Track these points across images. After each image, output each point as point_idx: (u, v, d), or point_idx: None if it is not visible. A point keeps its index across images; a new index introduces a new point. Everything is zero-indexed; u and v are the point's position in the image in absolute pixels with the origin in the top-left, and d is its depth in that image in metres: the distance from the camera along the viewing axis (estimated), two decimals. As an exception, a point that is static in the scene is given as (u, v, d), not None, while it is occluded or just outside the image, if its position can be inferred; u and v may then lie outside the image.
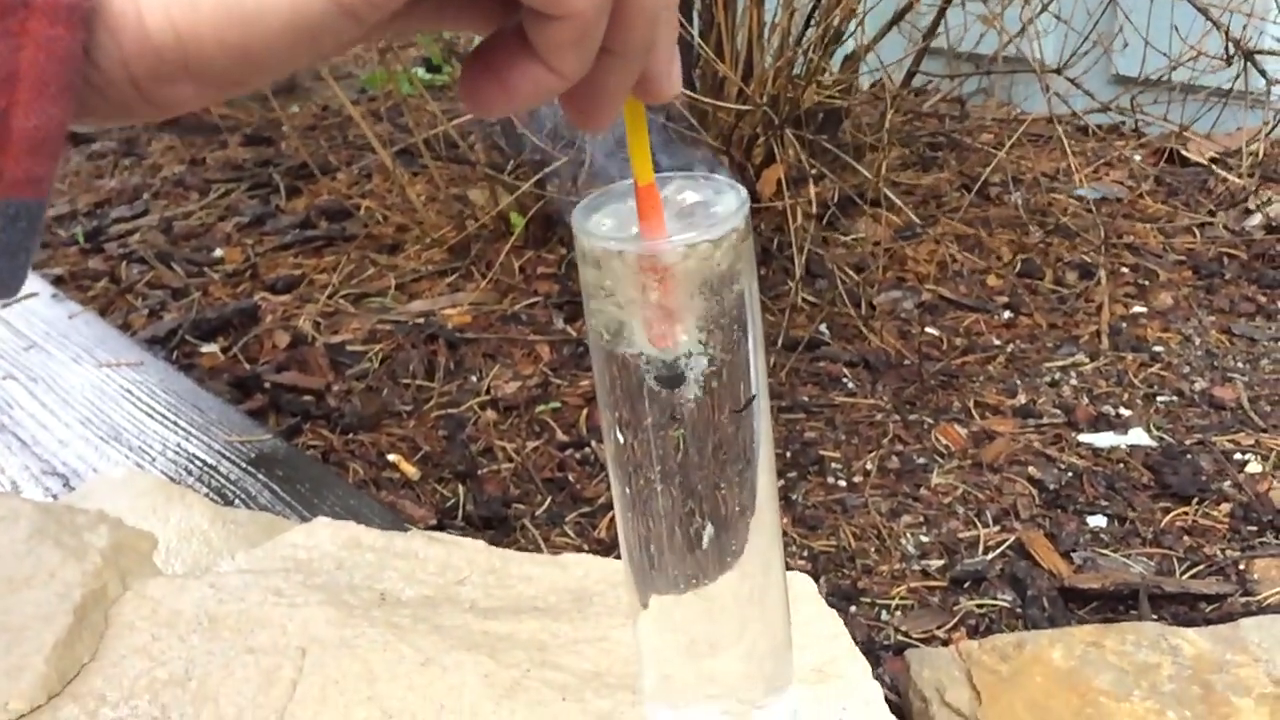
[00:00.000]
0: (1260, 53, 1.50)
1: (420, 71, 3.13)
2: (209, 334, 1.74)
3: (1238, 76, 1.59)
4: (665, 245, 0.51)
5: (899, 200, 1.92)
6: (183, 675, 0.80)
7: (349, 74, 3.17)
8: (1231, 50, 1.48)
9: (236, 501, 1.18)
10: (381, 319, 1.75)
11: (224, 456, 1.27)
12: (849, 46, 2.12)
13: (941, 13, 1.99)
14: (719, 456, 0.58)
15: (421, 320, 1.73)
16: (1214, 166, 1.98)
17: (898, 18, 1.98)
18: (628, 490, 0.60)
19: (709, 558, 0.62)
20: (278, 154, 2.48)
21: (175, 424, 1.34)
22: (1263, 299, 1.80)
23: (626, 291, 0.52)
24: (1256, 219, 1.96)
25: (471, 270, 1.87)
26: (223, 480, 1.22)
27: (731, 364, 0.55)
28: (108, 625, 0.86)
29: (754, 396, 0.56)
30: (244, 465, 1.25)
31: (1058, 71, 1.74)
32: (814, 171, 1.74)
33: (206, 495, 1.17)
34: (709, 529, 0.61)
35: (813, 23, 1.95)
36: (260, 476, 1.22)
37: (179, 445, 1.30)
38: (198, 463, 1.26)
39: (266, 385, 1.58)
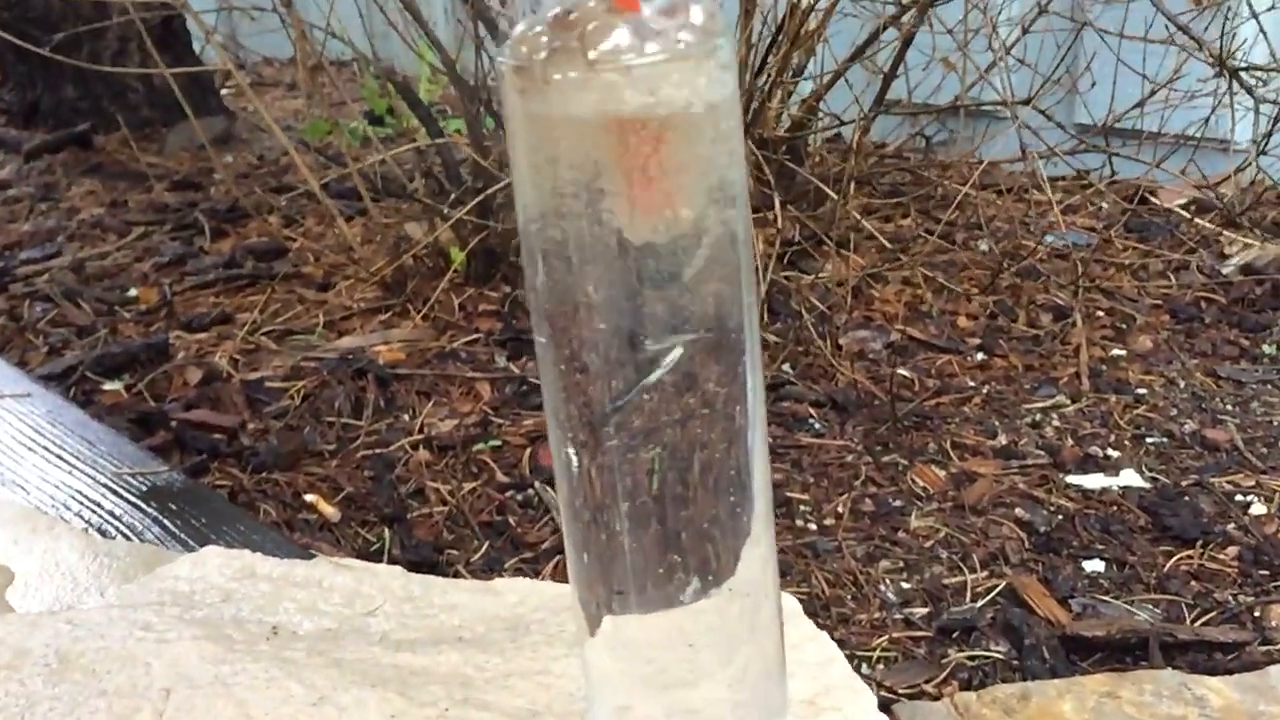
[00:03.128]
0: (1246, 69, 1.42)
1: (362, 124, 3.02)
2: (113, 371, 1.58)
3: (1218, 104, 1.52)
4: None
5: (865, 241, 1.82)
6: (13, 721, 0.64)
7: (288, 127, 3.05)
8: (1216, 68, 1.40)
9: (119, 537, 1.02)
10: (307, 356, 1.60)
11: (110, 490, 1.11)
12: (807, 87, 2.03)
13: (903, 49, 1.92)
14: (709, 483, 0.45)
15: (350, 356, 1.58)
16: (1185, 212, 1.90)
17: (857, 54, 1.90)
18: (584, 540, 0.46)
19: (690, 592, 0.48)
20: (205, 199, 2.34)
21: (58, 457, 1.18)
22: (1245, 342, 1.71)
23: (596, 141, 0.38)
24: (1232, 263, 1.87)
25: (407, 307, 1.73)
26: (105, 515, 1.06)
27: (724, 282, 0.41)
28: (-69, 664, 0.70)
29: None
30: (132, 499, 1.09)
31: (1026, 103, 1.66)
32: (775, 210, 1.63)
33: (85, 530, 1.01)
34: (694, 582, 0.47)
35: (770, 61, 1.86)
36: (150, 510, 1.06)
37: (60, 480, 1.14)
38: (79, 497, 1.10)
39: (172, 422, 1.43)
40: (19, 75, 2.99)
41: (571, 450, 0.45)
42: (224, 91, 3.39)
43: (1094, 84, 1.88)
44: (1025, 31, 1.98)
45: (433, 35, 1.94)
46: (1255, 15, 1.40)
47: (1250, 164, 1.66)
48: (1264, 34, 1.45)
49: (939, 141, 2.30)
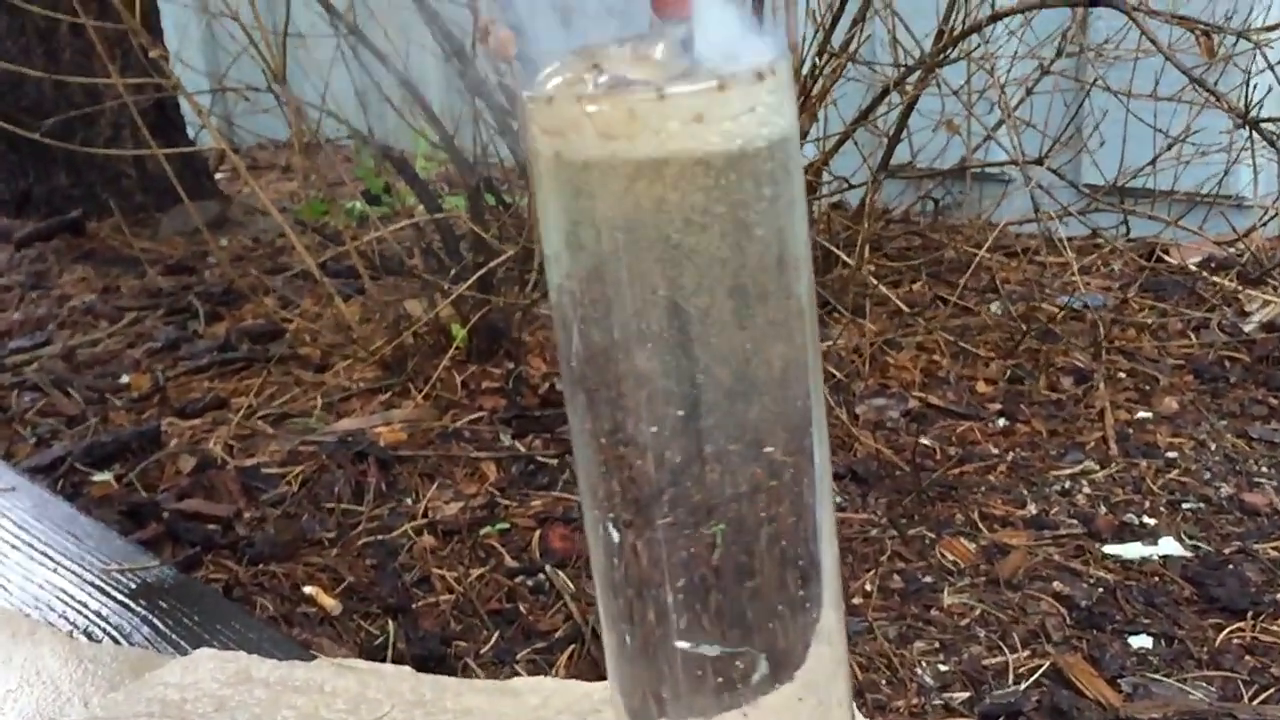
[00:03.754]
0: (1268, 121, 1.38)
1: (357, 205, 2.99)
2: (102, 461, 1.52)
3: (1236, 158, 1.48)
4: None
5: (877, 306, 1.78)
6: None
7: (284, 209, 3.02)
8: (1237, 121, 1.36)
9: (106, 640, 0.95)
10: (305, 440, 1.55)
11: (97, 589, 1.05)
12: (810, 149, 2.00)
13: (907, 112, 1.89)
14: (775, 557, 0.39)
15: (350, 439, 1.52)
16: (1202, 270, 1.86)
17: (861, 117, 1.87)
18: (626, 629, 0.40)
19: (755, 682, 0.42)
20: (199, 282, 2.30)
21: (44, 554, 1.12)
22: (1275, 401, 1.65)
23: (636, 188, 0.33)
24: (1254, 320, 1.82)
25: (408, 387, 1.68)
26: (91, 616, 0.99)
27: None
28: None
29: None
30: (121, 598, 1.02)
31: (1039, 162, 1.62)
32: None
33: (70, 633, 0.95)
34: (762, 666, 0.41)
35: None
36: (139, 609, 0.99)
37: (45, 579, 1.07)
38: (64, 596, 1.03)
39: (164, 513, 1.36)
40: (11, 163, 2.97)
41: (613, 528, 0.40)
42: (218, 175, 3.37)
43: (1103, 143, 1.85)
44: (1029, 93, 1.96)
45: (430, 111, 1.91)
46: (1271, 67, 1.37)
47: (1271, 218, 1.61)
48: None
49: (946, 204, 2.26)
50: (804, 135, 1.97)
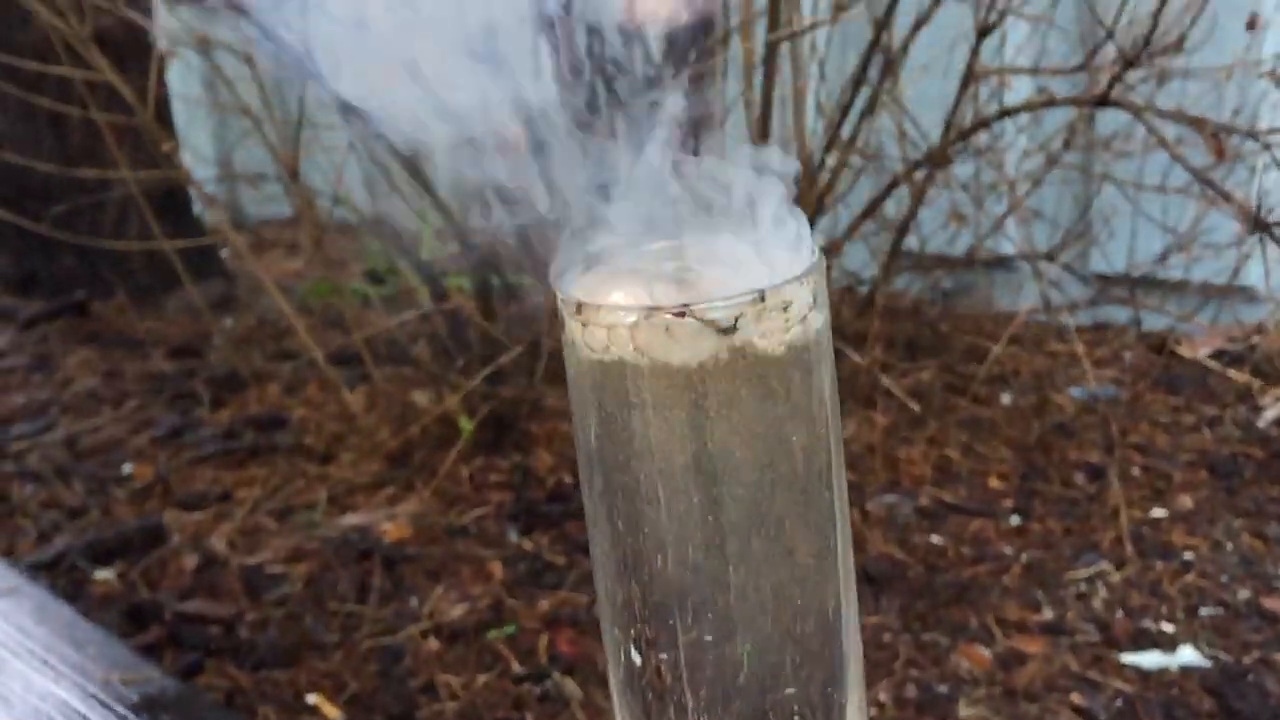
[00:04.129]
0: (1279, 225, 1.38)
1: (363, 284, 3.00)
2: (104, 557, 1.50)
3: (1246, 258, 1.48)
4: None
5: (885, 397, 1.76)
6: None
7: (288, 289, 3.02)
8: (1248, 224, 1.36)
9: (107, 758, 0.93)
10: (308, 535, 1.53)
11: (100, 702, 1.03)
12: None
13: (915, 204, 1.89)
14: (799, 663, 0.38)
15: (354, 536, 1.50)
16: (1214, 362, 1.85)
17: (869, 210, 1.87)
18: None
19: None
20: (203, 366, 2.29)
21: (44, 662, 1.10)
22: (1291, 499, 1.63)
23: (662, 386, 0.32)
24: (1268, 416, 1.81)
25: (413, 480, 1.66)
26: (92, 731, 0.97)
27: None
28: None
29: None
30: (122, 711, 1.00)
31: (1050, 258, 1.62)
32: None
33: (69, 751, 0.92)
34: None
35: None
36: (140, 724, 0.97)
37: (46, 690, 1.05)
38: (65, 709, 1.01)
39: (166, 615, 1.34)
40: (18, 244, 2.97)
41: (634, 650, 0.38)
42: (224, 252, 3.38)
43: (1112, 235, 1.85)
44: (1036, 184, 1.97)
45: (438, 199, 1.91)
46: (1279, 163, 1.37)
47: None
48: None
49: (953, 290, 2.26)
50: (812, 225, 1.97)
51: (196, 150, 3.66)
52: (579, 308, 0.33)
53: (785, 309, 0.33)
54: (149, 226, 2.47)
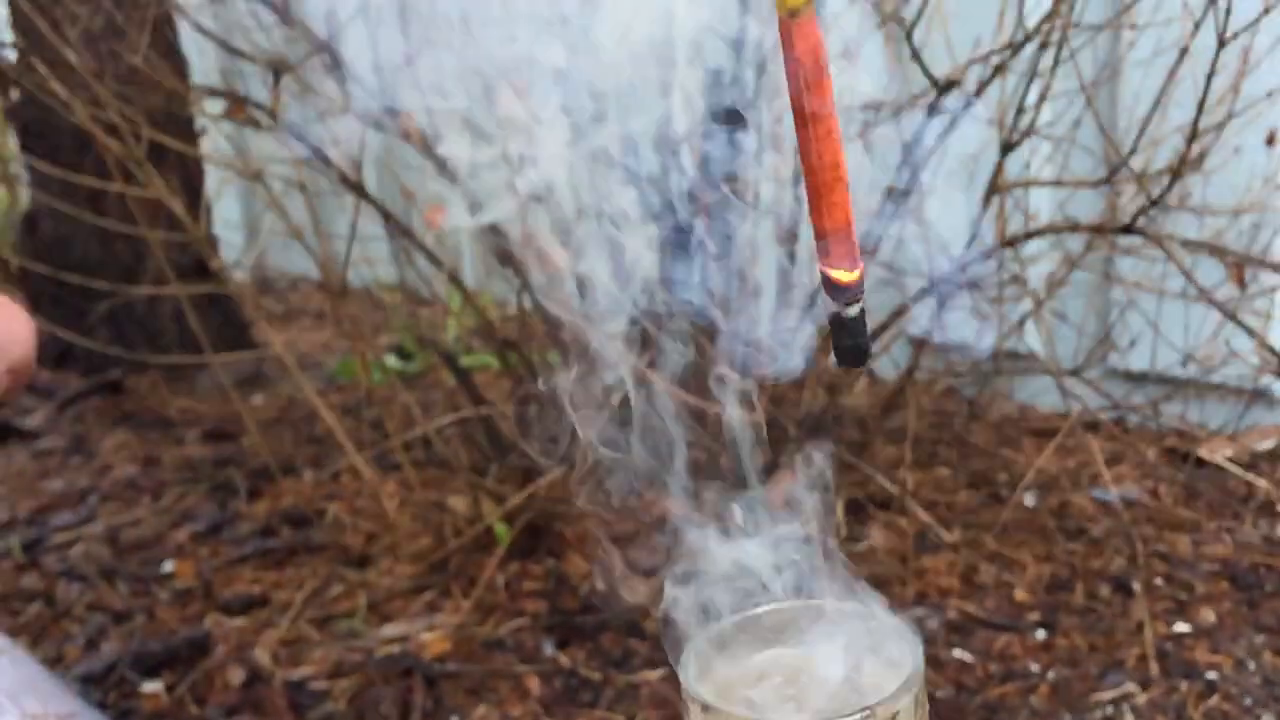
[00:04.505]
0: (1301, 360, 1.42)
1: (391, 359, 3.04)
2: (153, 669, 1.54)
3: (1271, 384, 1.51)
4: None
5: (916, 505, 1.80)
6: None
7: (316, 363, 3.08)
8: (1271, 360, 1.40)
9: None
10: (349, 646, 1.56)
11: (161, 844, 1.06)
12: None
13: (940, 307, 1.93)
14: None
15: (395, 650, 1.54)
16: (1235, 466, 1.88)
17: (893, 318, 1.91)
18: None
19: None
20: (238, 451, 2.34)
21: (105, 798, 1.13)
22: (1311, 613, 1.66)
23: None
24: (1288, 523, 1.84)
25: (449, 586, 1.70)
26: None
27: None
28: None
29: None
30: None
31: (1075, 374, 1.66)
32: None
33: None
34: None
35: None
36: None
37: (107, 827, 1.09)
38: None
39: (215, 734, 1.38)
40: (54, 318, 3.03)
41: None
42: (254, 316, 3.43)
43: (1133, 342, 1.89)
44: (1060, 284, 2.00)
45: (464, 289, 1.95)
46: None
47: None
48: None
49: (974, 384, 2.30)
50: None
51: (224, 215, 3.73)
52: (704, 708, 0.37)
53: (894, 717, 0.36)
54: (182, 304, 2.53)
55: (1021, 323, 2.04)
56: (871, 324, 1.96)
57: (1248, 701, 1.47)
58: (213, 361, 2.29)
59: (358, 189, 1.77)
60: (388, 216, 1.84)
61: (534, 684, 1.49)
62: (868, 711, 0.36)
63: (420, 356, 3.04)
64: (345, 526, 1.92)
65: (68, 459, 2.38)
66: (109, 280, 2.71)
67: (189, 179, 2.86)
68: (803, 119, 0.31)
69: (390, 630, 1.61)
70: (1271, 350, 1.39)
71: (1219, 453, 1.97)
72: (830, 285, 0.34)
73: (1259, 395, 1.91)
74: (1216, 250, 1.49)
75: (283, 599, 1.72)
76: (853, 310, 0.34)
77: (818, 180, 0.31)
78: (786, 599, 0.42)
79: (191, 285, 2.32)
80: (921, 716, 0.38)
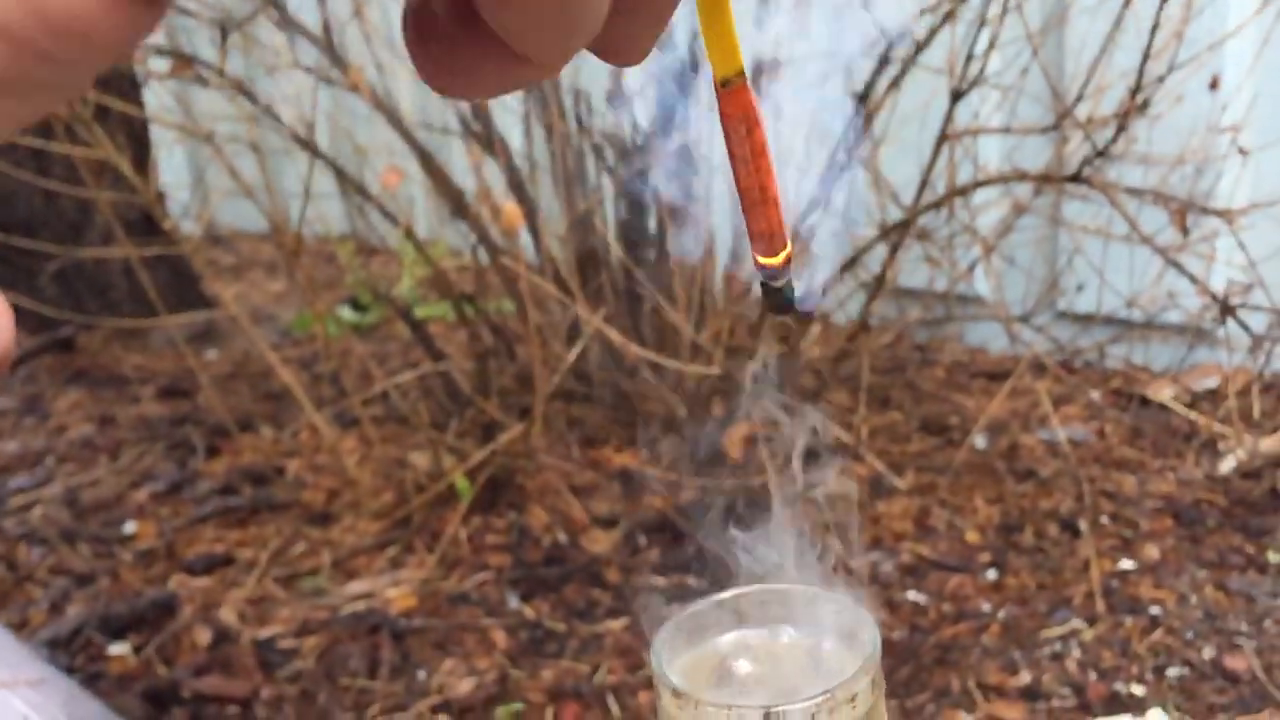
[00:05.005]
0: (1241, 308, 1.46)
1: (346, 311, 3.04)
2: (119, 631, 1.55)
3: (1213, 328, 1.55)
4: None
5: (867, 450, 1.84)
6: None
7: (271, 316, 3.06)
8: (1212, 306, 1.43)
9: None
10: (315, 604, 1.58)
11: (137, 807, 1.08)
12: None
13: (892, 256, 1.95)
14: None
15: (361, 607, 1.56)
16: (1178, 405, 1.94)
17: (848, 264, 1.94)
18: None
19: None
20: (195, 409, 2.33)
21: (79, 763, 1.15)
22: (1251, 549, 1.72)
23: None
24: (1230, 463, 1.90)
25: (413, 541, 1.72)
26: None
27: None
28: None
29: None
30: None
31: (1024, 320, 1.69)
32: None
33: None
34: None
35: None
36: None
37: (83, 791, 1.10)
38: (105, 818, 1.06)
39: (185, 694, 1.39)
40: (0, 278, 2.99)
41: None
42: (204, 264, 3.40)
43: (1080, 286, 1.93)
44: (1007, 231, 2.04)
45: (418, 243, 1.95)
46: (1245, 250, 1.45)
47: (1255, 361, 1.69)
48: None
49: (923, 332, 2.33)
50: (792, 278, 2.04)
51: (172, 167, 3.68)
52: (675, 693, 0.39)
53: (852, 699, 0.39)
54: (130, 257, 2.50)
55: (971, 268, 2.07)
56: (825, 274, 1.99)
57: (1189, 635, 1.52)
58: (164, 320, 2.28)
59: (309, 146, 1.76)
60: (340, 173, 1.84)
61: (499, 637, 1.52)
62: (827, 694, 0.38)
63: (375, 308, 3.04)
64: (306, 484, 1.93)
65: (21, 419, 2.37)
66: (54, 238, 2.68)
67: (135, 136, 2.81)
68: (733, 158, 0.33)
69: (355, 587, 1.62)
70: (1213, 295, 1.43)
71: (1163, 392, 2.02)
72: (757, 264, 0.37)
73: (1202, 335, 1.96)
74: (1161, 197, 1.52)
75: (247, 558, 1.73)
76: (778, 283, 0.36)
77: (747, 200, 0.33)
78: (748, 558, 0.44)
79: (140, 243, 2.30)
80: (878, 695, 0.41)
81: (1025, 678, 1.44)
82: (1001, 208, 2.04)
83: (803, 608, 0.42)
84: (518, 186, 1.78)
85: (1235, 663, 1.46)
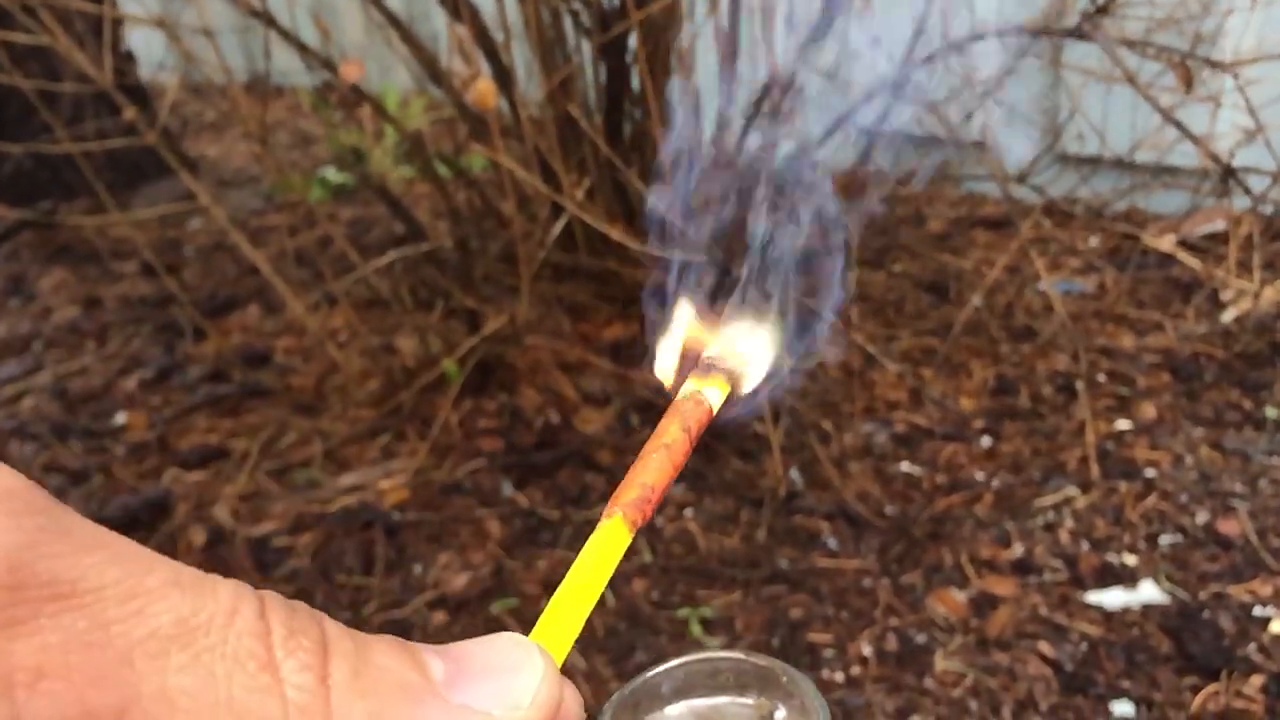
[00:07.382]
0: (1242, 170, 1.40)
1: (330, 172, 2.97)
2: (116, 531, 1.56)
3: (1213, 182, 1.49)
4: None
5: (862, 304, 1.81)
6: None
7: (253, 178, 2.99)
8: (1214, 167, 1.37)
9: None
10: (309, 499, 1.58)
11: None
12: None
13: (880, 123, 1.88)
14: None
15: (354, 502, 1.56)
16: (1181, 253, 1.89)
17: (838, 123, 1.86)
18: None
19: None
20: (180, 286, 2.29)
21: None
22: (1248, 405, 1.70)
23: None
24: (1231, 313, 1.86)
25: (404, 429, 1.71)
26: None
27: None
28: None
29: None
30: None
31: (1021, 180, 1.63)
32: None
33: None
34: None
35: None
36: None
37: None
38: None
39: (183, 599, 1.40)
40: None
41: None
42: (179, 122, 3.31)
43: (1080, 135, 1.86)
44: (1009, 73, 1.95)
45: (397, 123, 1.89)
46: (1253, 112, 1.37)
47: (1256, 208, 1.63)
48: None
49: (918, 178, 2.27)
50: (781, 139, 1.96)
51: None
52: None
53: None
54: (104, 123, 2.43)
55: (969, 116, 2.00)
56: (821, 127, 1.92)
57: (1183, 499, 1.52)
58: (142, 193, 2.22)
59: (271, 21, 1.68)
60: (304, 49, 1.76)
61: (494, 527, 1.52)
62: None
63: (357, 167, 2.96)
64: (295, 369, 1.91)
65: (7, 301, 2.34)
66: (23, 107, 2.60)
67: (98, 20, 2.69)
68: (657, 434, 0.36)
69: (348, 479, 1.62)
70: (1214, 157, 1.37)
71: (1165, 238, 1.97)
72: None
73: (1206, 178, 1.89)
74: (1162, 51, 1.45)
75: (239, 448, 1.72)
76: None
77: (642, 463, 0.36)
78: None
79: (111, 111, 2.23)
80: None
81: (1018, 550, 1.45)
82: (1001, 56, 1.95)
83: (754, 677, 0.40)
84: (492, 55, 1.70)
85: (1228, 527, 1.46)
